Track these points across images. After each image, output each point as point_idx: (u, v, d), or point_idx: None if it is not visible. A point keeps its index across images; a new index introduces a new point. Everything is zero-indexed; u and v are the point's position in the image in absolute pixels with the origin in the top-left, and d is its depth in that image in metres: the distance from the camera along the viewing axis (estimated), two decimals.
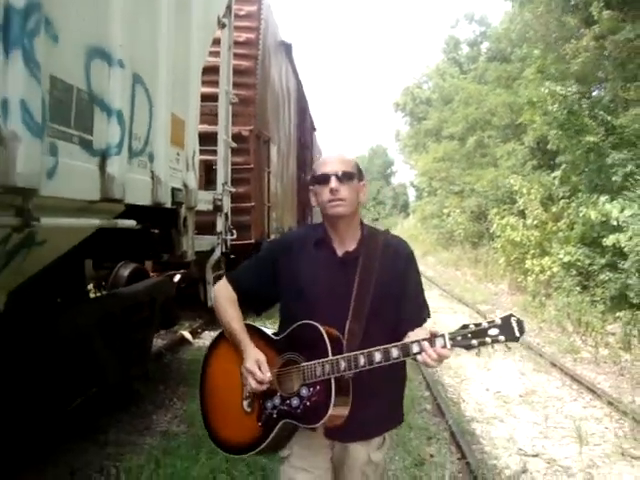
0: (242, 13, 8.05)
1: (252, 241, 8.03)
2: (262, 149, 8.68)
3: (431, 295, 12.95)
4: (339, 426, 1.95)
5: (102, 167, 2.87)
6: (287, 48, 11.37)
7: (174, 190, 4.09)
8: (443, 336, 1.80)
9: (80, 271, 4.81)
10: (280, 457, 2.12)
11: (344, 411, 1.92)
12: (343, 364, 1.88)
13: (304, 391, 1.94)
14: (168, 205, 4.00)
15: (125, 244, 4.05)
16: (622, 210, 8.48)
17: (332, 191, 2.01)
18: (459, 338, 1.80)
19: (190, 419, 4.62)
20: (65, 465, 3.84)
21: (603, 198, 8.87)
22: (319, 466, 2.09)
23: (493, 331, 1.78)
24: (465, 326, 1.82)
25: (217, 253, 5.65)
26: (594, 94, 12.44)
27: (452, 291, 14.79)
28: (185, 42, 4.29)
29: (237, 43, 7.18)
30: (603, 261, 9.66)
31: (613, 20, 9.65)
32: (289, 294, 2.13)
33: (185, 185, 4.37)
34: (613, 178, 9.30)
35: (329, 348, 1.91)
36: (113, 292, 5.28)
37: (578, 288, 10.32)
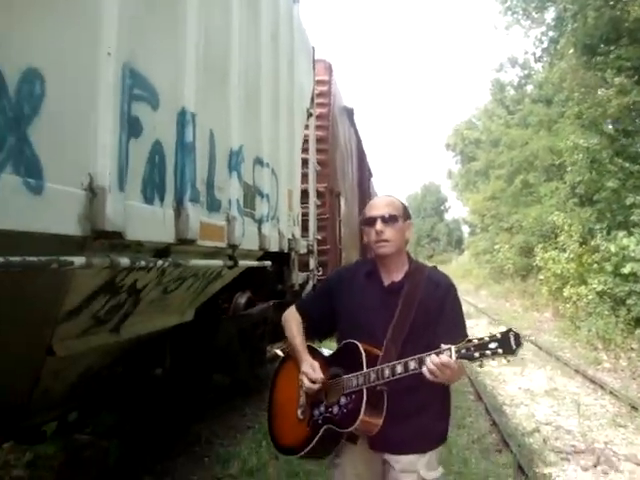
0: (317, 92, 10.14)
1: None
2: (334, 202, 10.68)
3: (480, 323, 14.58)
4: (378, 437, 2.19)
5: (260, 229, 4.83)
6: (349, 112, 13.49)
7: (289, 240, 6.06)
8: (450, 349, 1.97)
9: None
10: (334, 463, 2.38)
11: (377, 420, 2.15)
12: (373, 376, 2.12)
13: (343, 400, 2.20)
14: (286, 250, 5.98)
15: (250, 278, 5.82)
16: (638, 244, 10.08)
17: (377, 233, 2.26)
18: (463, 351, 1.95)
19: None
20: (222, 422, 5.73)
21: (621, 234, 10.48)
22: (369, 475, 2.33)
23: (493, 345, 1.90)
24: (469, 340, 1.96)
25: (310, 284, 7.63)
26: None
27: (500, 319, 16.26)
28: (291, 135, 6.32)
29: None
30: (627, 288, 11.17)
31: (624, 85, 11.33)
32: (341, 318, 2.41)
33: (293, 236, 6.36)
34: (631, 217, 10.89)
35: (364, 363, 2.15)
36: (243, 313, 7.25)
37: (607, 312, 11.80)
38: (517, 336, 1.89)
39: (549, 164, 21.75)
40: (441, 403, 2.33)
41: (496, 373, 8.69)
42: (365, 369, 2.14)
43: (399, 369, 2.07)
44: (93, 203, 2.21)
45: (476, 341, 1.94)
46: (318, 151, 9.47)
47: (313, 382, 2.26)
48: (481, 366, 1.99)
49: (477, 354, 1.92)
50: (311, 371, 2.28)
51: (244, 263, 4.42)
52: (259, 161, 4.92)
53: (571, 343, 11.44)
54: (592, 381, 8.12)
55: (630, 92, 11.21)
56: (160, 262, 2.92)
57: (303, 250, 7.08)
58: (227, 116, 3.94)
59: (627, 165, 11.49)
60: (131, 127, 2.49)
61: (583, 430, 5.94)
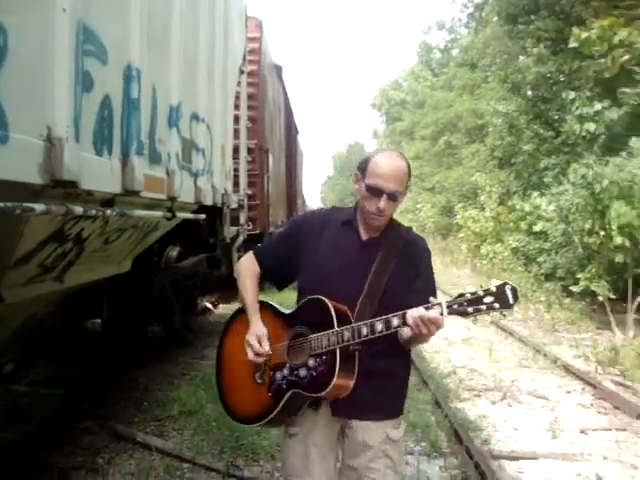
0: (247, 49, 10.15)
1: (257, 232, 10.18)
2: (263, 158, 10.83)
3: None
4: (344, 402, 2.01)
5: (196, 183, 4.99)
6: (278, 70, 13.53)
7: (222, 194, 6.23)
8: (440, 304, 1.82)
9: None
10: (289, 434, 2.15)
11: (349, 382, 1.97)
12: (347, 334, 1.92)
13: (311, 362, 1.99)
14: (219, 204, 6.15)
15: (182, 232, 5.94)
16: (549, 203, 10.81)
17: (379, 209, 2.02)
18: (455, 306, 1.81)
19: None
20: (158, 370, 5.93)
21: (535, 194, 11.21)
22: (327, 443, 2.12)
23: (488, 299, 1.79)
24: (461, 294, 1.83)
25: (241, 239, 7.83)
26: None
27: None
28: (225, 92, 6.43)
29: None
30: (538, 246, 12.00)
31: (541, 56, 11.95)
32: (307, 269, 2.15)
33: (226, 190, 6.52)
34: (544, 179, 11.64)
35: (335, 321, 1.95)
36: (176, 265, 7.39)
37: (520, 268, 12.64)
38: (514, 289, 1.79)
39: (472, 127, 22.57)
40: (406, 369, 2.25)
41: None
42: (336, 327, 1.94)
43: (379, 327, 1.89)
44: (52, 153, 2.34)
45: (469, 295, 1.81)
46: (248, 108, 9.56)
47: (257, 355, 2.06)
48: (475, 322, 2.03)
49: (471, 309, 1.80)
50: (256, 343, 2.07)
51: (181, 215, 4.59)
52: (195, 117, 5.04)
53: None
54: (504, 330, 8.80)
55: (547, 62, 11.83)
56: (109, 211, 3.07)
57: (234, 205, 7.26)
58: (167, 74, 4.09)
59: (542, 131, 12.18)
60: (84, 81, 2.62)
61: (493, 372, 6.50)
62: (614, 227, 8.03)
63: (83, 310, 5.24)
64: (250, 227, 8.30)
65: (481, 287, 1.83)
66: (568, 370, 6.48)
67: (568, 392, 5.84)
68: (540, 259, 12.02)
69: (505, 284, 1.80)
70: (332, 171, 69.96)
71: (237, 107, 7.90)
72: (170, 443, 4.06)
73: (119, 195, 3.24)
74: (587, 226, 8.54)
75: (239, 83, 7.89)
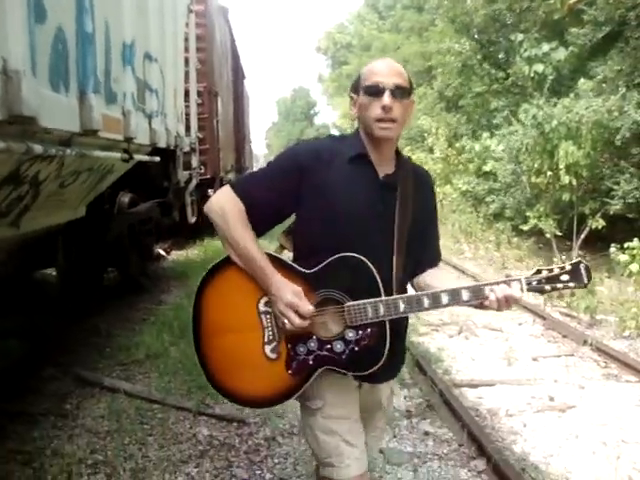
0: None
1: (208, 176, 10.04)
2: (213, 102, 10.57)
3: None
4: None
5: (150, 124, 4.86)
6: (224, 11, 13.10)
7: (175, 137, 6.09)
8: (520, 280, 1.71)
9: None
10: (312, 409, 1.80)
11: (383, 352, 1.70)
12: (402, 305, 1.65)
13: (350, 334, 1.67)
14: (172, 147, 6.02)
15: (134, 177, 5.80)
16: (498, 144, 11.01)
17: (385, 109, 1.67)
18: (534, 283, 1.73)
19: (191, 293, 6.74)
20: (117, 316, 5.86)
21: (485, 134, 11.38)
22: (355, 411, 1.84)
23: (564, 277, 1.74)
24: (539, 271, 1.75)
25: (194, 183, 7.72)
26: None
27: None
28: (175, 32, 6.25)
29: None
30: (487, 187, 12.26)
31: None
32: (318, 215, 1.73)
33: (178, 133, 6.37)
34: (494, 121, 11.80)
35: (381, 287, 1.66)
36: (131, 210, 7.23)
37: (469, 209, 12.92)
38: (587, 269, 1.74)
39: (419, 70, 22.49)
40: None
41: None
42: (383, 295, 1.65)
43: (445, 299, 1.66)
44: (8, 87, 2.23)
45: (546, 272, 1.73)
46: (197, 50, 9.27)
47: (302, 317, 1.64)
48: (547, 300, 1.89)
49: (548, 287, 1.74)
50: (297, 300, 1.64)
51: (138, 157, 4.48)
52: (149, 56, 4.87)
53: None
54: (456, 268, 9.05)
55: (495, 2, 11.83)
56: (68, 151, 2.97)
57: (187, 148, 7.12)
58: (120, 10, 3.94)
59: (493, 71, 12.28)
60: (37, 12, 2.48)
61: (449, 308, 6.70)
62: (562, 166, 8.27)
63: (36, 259, 5.11)
64: (202, 171, 8.16)
65: (556, 264, 1.79)
66: (519, 304, 6.75)
67: (520, 324, 6.10)
68: (488, 199, 12.30)
69: (579, 263, 1.74)
70: (277, 117, 68.82)
71: (186, 50, 7.66)
72: (138, 386, 4.05)
73: (77, 135, 3.13)
74: (536, 166, 8.76)
75: (187, 24, 7.63)
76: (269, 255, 1.73)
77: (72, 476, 2.81)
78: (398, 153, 1.83)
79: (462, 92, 13.60)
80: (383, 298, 1.65)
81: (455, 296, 1.67)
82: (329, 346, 1.68)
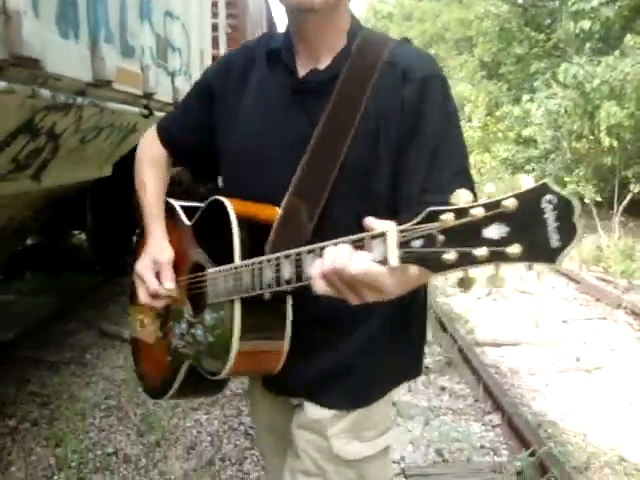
0: None
1: None
2: None
3: None
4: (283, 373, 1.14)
5: (173, 82, 4.84)
6: None
7: None
8: (384, 235, 0.77)
9: None
10: (250, 409, 1.48)
11: (279, 346, 1.10)
12: (247, 278, 1.03)
13: (207, 317, 1.16)
14: None
15: None
16: (538, 108, 10.67)
17: None
18: (417, 243, 0.73)
19: None
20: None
21: (525, 97, 11.03)
22: (284, 428, 1.27)
23: (496, 231, 0.68)
24: (434, 214, 0.72)
25: None
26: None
27: None
28: None
29: None
30: (526, 155, 11.94)
31: None
32: (227, 141, 1.23)
33: None
34: (535, 84, 11.43)
35: (236, 246, 1.07)
36: None
37: (507, 177, 12.62)
38: (568, 204, 0.70)
39: (460, 38, 21.99)
40: (392, 320, 1.16)
41: None
42: (238, 260, 1.07)
43: (287, 272, 0.95)
44: (9, 26, 2.22)
45: (449, 215, 0.70)
46: (228, 16, 9.21)
47: (153, 297, 1.21)
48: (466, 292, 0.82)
49: (452, 255, 0.69)
50: (150, 275, 1.21)
51: (159, 115, 4.47)
52: (169, 14, 4.84)
53: None
54: None
55: None
56: (80, 99, 2.97)
57: None
58: None
59: (533, 34, 11.87)
60: None
61: None
62: (602, 128, 7.95)
63: (65, 219, 5.20)
64: None
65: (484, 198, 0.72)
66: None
67: (552, 287, 5.94)
68: (528, 167, 11.99)
69: (542, 191, 0.68)
70: None
71: (215, 15, 7.62)
72: None
73: (90, 86, 3.13)
74: (575, 128, 8.45)
75: None
76: (170, 205, 1.33)
77: (86, 418, 2.87)
78: (352, 36, 1.17)
79: (501, 58, 13.20)
80: (232, 265, 1.07)
81: (298, 264, 0.94)
82: (193, 331, 1.20)
